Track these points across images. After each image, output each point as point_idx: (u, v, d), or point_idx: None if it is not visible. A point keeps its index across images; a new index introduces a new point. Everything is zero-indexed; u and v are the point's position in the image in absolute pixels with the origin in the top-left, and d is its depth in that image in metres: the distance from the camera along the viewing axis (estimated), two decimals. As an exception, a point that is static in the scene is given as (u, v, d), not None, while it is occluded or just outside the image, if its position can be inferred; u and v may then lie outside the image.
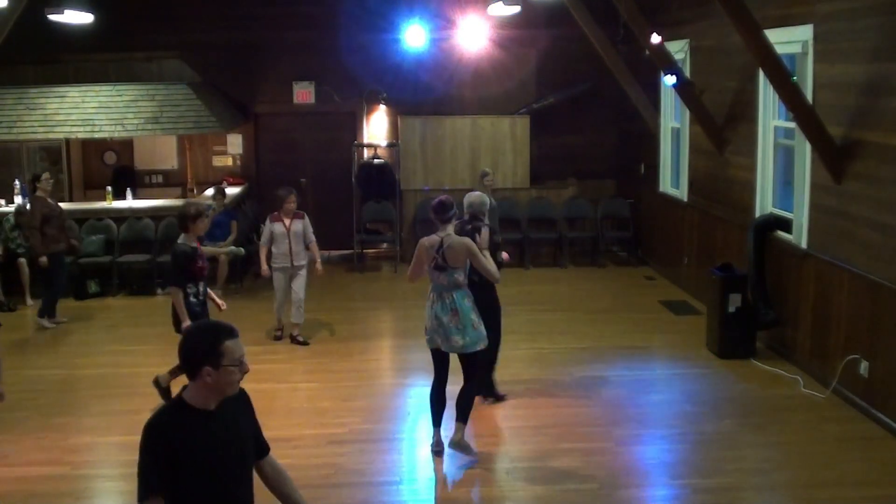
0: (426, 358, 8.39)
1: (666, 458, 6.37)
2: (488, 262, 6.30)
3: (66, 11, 9.75)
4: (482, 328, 6.26)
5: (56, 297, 9.97)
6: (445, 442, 6.36)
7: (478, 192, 7.39)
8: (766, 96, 8.75)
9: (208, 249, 10.43)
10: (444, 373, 6.39)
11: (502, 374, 8.11)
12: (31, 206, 9.83)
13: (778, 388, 7.65)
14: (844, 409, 7.13)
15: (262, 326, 9.60)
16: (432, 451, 6.39)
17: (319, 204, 13.08)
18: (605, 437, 6.68)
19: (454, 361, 6.39)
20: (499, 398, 7.44)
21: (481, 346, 6.24)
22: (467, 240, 6.21)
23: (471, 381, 6.35)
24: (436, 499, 5.86)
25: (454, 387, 6.43)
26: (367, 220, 13.08)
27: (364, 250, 13.24)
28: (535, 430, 6.83)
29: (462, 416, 6.31)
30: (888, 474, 6.03)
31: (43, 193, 9.79)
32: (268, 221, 9.08)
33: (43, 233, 9.70)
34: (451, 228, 6.20)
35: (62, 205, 11.85)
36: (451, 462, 6.33)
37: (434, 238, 6.19)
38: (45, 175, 9.95)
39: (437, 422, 6.42)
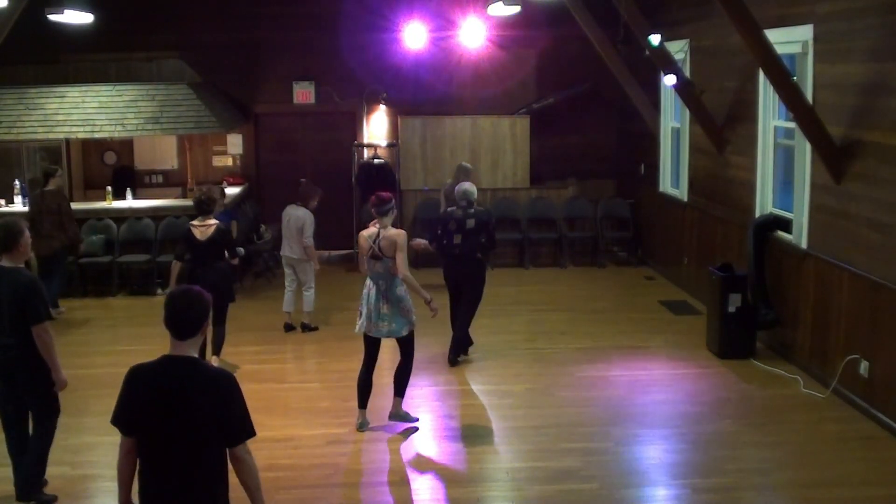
0: (426, 357, 8.45)
1: (666, 458, 6.37)
2: (405, 261, 6.70)
3: (66, 11, 9.74)
4: (411, 316, 6.72)
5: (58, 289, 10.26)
6: (369, 420, 6.91)
7: (469, 182, 8.51)
8: (766, 96, 8.75)
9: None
10: (374, 359, 6.87)
11: (503, 373, 8.14)
12: (55, 198, 9.95)
13: (778, 388, 7.65)
14: (844, 409, 7.13)
15: (262, 326, 9.61)
16: (358, 429, 6.84)
17: (319, 204, 13.03)
18: (605, 437, 6.68)
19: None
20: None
21: (406, 331, 6.71)
22: (401, 232, 6.68)
23: (407, 359, 6.86)
24: (436, 499, 5.86)
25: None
26: (367, 220, 13.02)
27: (364, 250, 13.21)
28: (535, 430, 6.83)
29: (399, 391, 6.90)
30: (888, 474, 6.03)
31: (54, 187, 9.97)
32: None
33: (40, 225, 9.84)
34: (388, 221, 6.66)
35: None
36: (452, 462, 6.34)
37: (371, 230, 6.67)
38: (60, 172, 10.37)
39: (363, 404, 6.90)
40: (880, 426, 6.71)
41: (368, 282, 6.69)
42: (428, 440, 6.76)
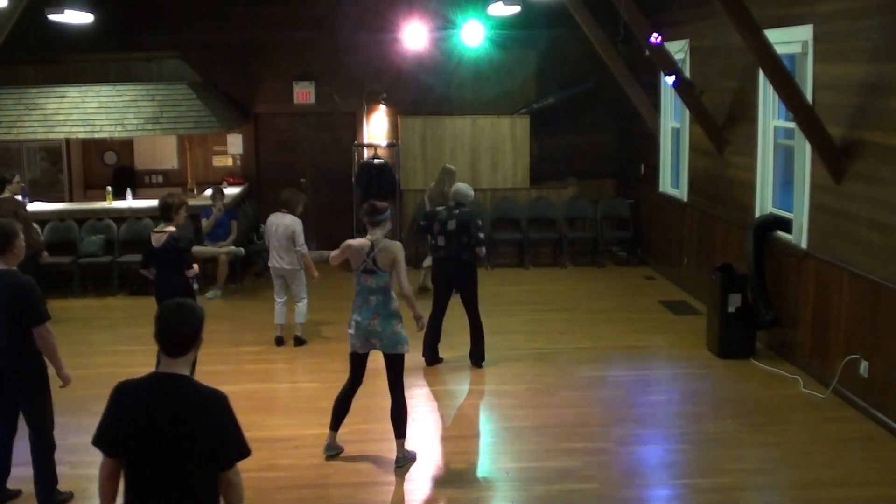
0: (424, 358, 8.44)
1: (666, 458, 6.38)
2: (406, 276, 6.17)
3: (66, 11, 9.74)
4: (403, 333, 6.09)
5: None
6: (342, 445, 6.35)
7: (466, 184, 8.39)
8: (766, 96, 8.74)
9: (208, 249, 10.48)
10: (360, 379, 6.28)
11: (503, 373, 8.12)
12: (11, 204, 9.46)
13: (778, 388, 7.65)
14: (844, 409, 7.13)
15: (261, 326, 9.60)
16: (326, 455, 6.27)
17: (319, 204, 13.07)
18: (605, 437, 6.68)
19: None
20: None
21: (400, 349, 6.06)
22: (399, 244, 6.08)
23: (398, 394, 6.15)
24: (436, 499, 5.86)
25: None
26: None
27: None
28: (535, 430, 6.82)
29: (401, 433, 6.18)
30: (888, 474, 6.03)
31: (9, 194, 9.54)
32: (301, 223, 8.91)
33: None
34: (380, 232, 6.07)
35: (61, 205, 11.88)
36: (451, 462, 6.34)
37: (363, 241, 6.05)
38: (17, 178, 9.83)
39: (335, 426, 6.31)
40: (880, 426, 6.71)
41: (358, 298, 6.06)
42: (428, 440, 6.76)
